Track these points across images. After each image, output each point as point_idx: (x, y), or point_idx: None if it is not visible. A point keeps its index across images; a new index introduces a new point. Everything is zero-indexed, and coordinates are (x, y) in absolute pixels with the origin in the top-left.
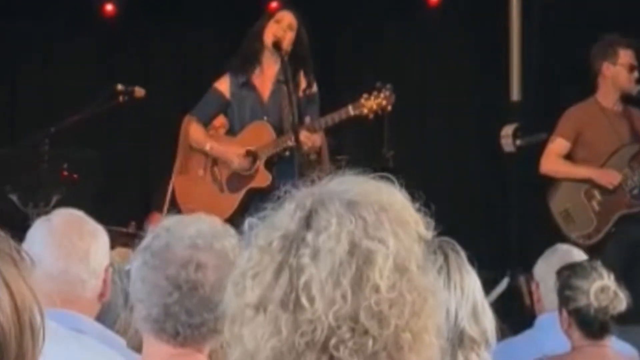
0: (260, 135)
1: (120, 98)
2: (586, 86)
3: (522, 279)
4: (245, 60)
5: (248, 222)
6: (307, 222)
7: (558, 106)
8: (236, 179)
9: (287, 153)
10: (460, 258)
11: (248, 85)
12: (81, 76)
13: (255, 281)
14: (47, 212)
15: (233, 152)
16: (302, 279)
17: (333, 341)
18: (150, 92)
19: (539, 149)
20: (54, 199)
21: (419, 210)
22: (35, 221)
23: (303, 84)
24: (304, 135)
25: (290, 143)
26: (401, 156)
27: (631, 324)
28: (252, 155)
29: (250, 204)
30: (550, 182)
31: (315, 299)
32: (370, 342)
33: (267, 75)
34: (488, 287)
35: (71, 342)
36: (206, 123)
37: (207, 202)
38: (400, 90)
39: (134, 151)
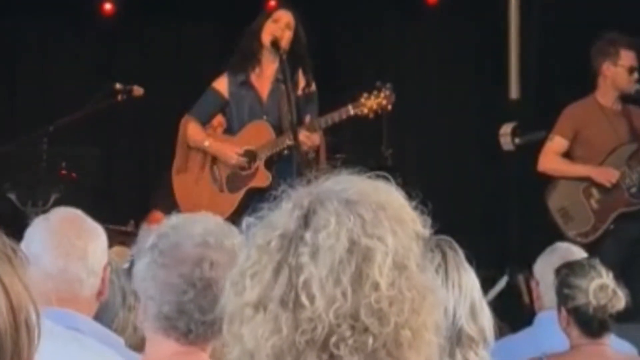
0: (259, 134)
1: (119, 97)
2: (585, 84)
3: (521, 278)
4: (243, 59)
5: (246, 221)
6: (306, 221)
7: (557, 104)
8: (236, 179)
9: (287, 152)
10: (458, 256)
11: (247, 84)
12: (80, 75)
13: (255, 280)
14: (45, 211)
15: (231, 149)
16: (302, 278)
17: (333, 339)
18: (149, 91)
19: (537, 147)
20: (53, 198)
21: (416, 208)
22: (34, 220)
23: (302, 82)
24: (303, 134)
25: (290, 142)
26: (400, 154)
27: (630, 322)
28: (251, 155)
29: (250, 204)
30: (548, 181)
31: (315, 297)
32: (371, 340)
33: (265, 74)
34: (487, 285)
35: (69, 342)
36: (204, 123)
37: (206, 202)
38: (399, 88)
39: (132, 150)
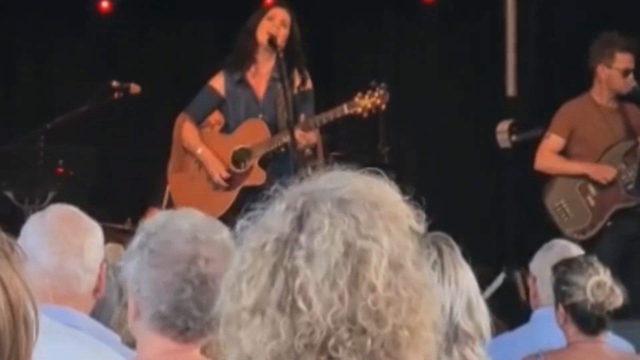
0: (255, 133)
1: (116, 94)
2: (582, 82)
3: (517, 275)
4: (239, 57)
5: (239, 223)
6: (300, 223)
7: (553, 102)
8: (231, 177)
9: (283, 150)
10: (454, 253)
11: (243, 82)
12: (77, 73)
13: (251, 285)
14: (42, 209)
15: (217, 168)
16: (298, 282)
17: (331, 342)
18: (147, 89)
19: (534, 144)
20: (50, 196)
21: (409, 203)
22: (30, 217)
23: (297, 80)
24: (298, 133)
25: (285, 140)
26: (397, 152)
27: (627, 320)
28: (246, 153)
29: (244, 202)
30: (545, 178)
31: (312, 301)
32: (369, 342)
33: (261, 73)
34: (483, 282)
35: (67, 338)
36: (200, 121)
37: (201, 200)
38: (396, 86)
39: (129, 148)
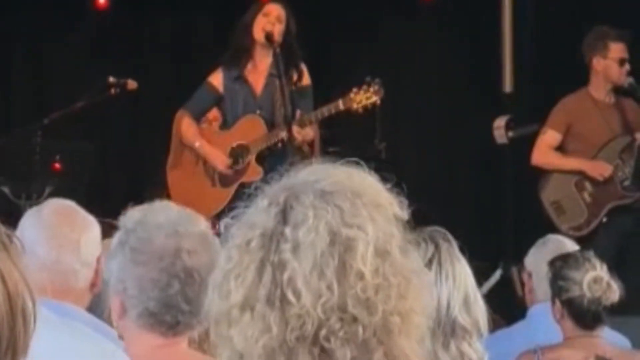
0: (252, 128)
1: (113, 90)
2: (579, 78)
3: (514, 270)
4: (236, 54)
5: (223, 222)
6: (284, 217)
7: (550, 98)
8: (228, 174)
9: (279, 146)
10: (451, 247)
11: (241, 79)
12: (74, 68)
13: (238, 281)
14: (39, 204)
15: (219, 156)
16: (286, 275)
17: (323, 333)
18: (143, 85)
19: (531, 140)
20: (47, 191)
21: (391, 190)
22: (27, 211)
23: (294, 76)
24: (294, 129)
25: (282, 136)
26: (394, 148)
27: (624, 315)
28: (243, 149)
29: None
30: (541, 174)
31: (301, 293)
32: (360, 330)
33: (259, 69)
34: (480, 277)
35: (63, 330)
36: (199, 117)
37: (199, 196)
38: (393, 82)
39: (126, 143)
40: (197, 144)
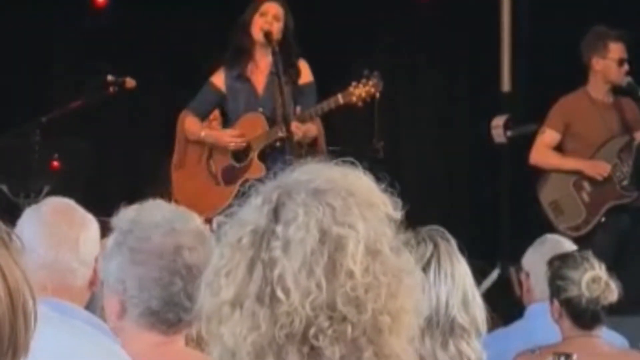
0: (253, 126)
1: (111, 89)
2: (576, 77)
3: (512, 270)
4: (237, 54)
5: (216, 220)
6: (275, 215)
7: (548, 97)
8: (231, 171)
9: (278, 144)
10: (450, 246)
11: (242, 78)
12: (72, 67)
13: (229, 278)
14: (38, 203)
15: (227, 134)
16: (276, 272)
17: (312, 331)
18: (142, 83)
19: (529, 140)
20: (45, 189)
21: (385, 191)
22: (25, 210)
23: (293, 73)
24: (294, 125)
25: (281, 134)
26: (392, 147)
27: (621, 315)
28: (245, 147)
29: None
30: (539, 174)
31: (290, 290)
32: (350, 329)
33: (260, 68)
34: (477, 276)
35: (64, 328)
36: (203, 117)
37: (202, 195)
38: (391, 81)
39: (124, 142)
40: (202, 134)
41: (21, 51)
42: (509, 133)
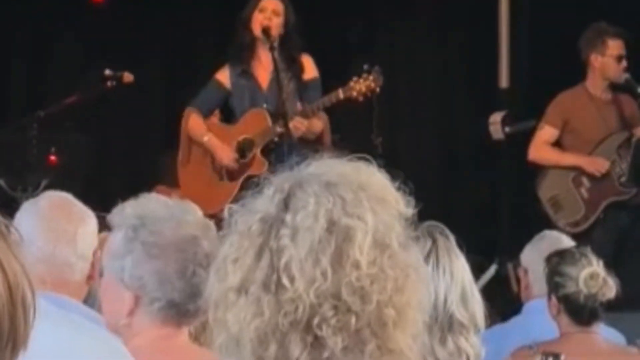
0: (257, 122)
1: (109, 83)
2: (575, 73)
3: (510, 266)
4: (239, 50)
5: (227, 209)
6: (286, 204)
7: (547, 93)
8: (234, 168)
9: (276, 139)
10: (449, 242)
11: (247, 74)
12: (70, 61)
13: (237, 265)
14: (36, 197)
15: (224, 150)
16: (283, 260)
17: (316, 320)
18: (139, 78)
19: (528, 136)
20: (43, 184)
21: (399, 189)
22: (23, 204)
23: (295, 68)
24: (298, 120)
25: (280, 130)
26: (391, 143)
27: (619, 311)
28: (249, 143)
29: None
30: (538, 170)
31: (295, 277)
32: (353, 319)
33: (263, 64)
34: (474, 271)
35: (63, 322)
36: (207, 114)
37: (206, 191)
38: (389, 78)
39: (122, 136)
40: (205, 138)
41: (19, 45)
42: (507, 129)
